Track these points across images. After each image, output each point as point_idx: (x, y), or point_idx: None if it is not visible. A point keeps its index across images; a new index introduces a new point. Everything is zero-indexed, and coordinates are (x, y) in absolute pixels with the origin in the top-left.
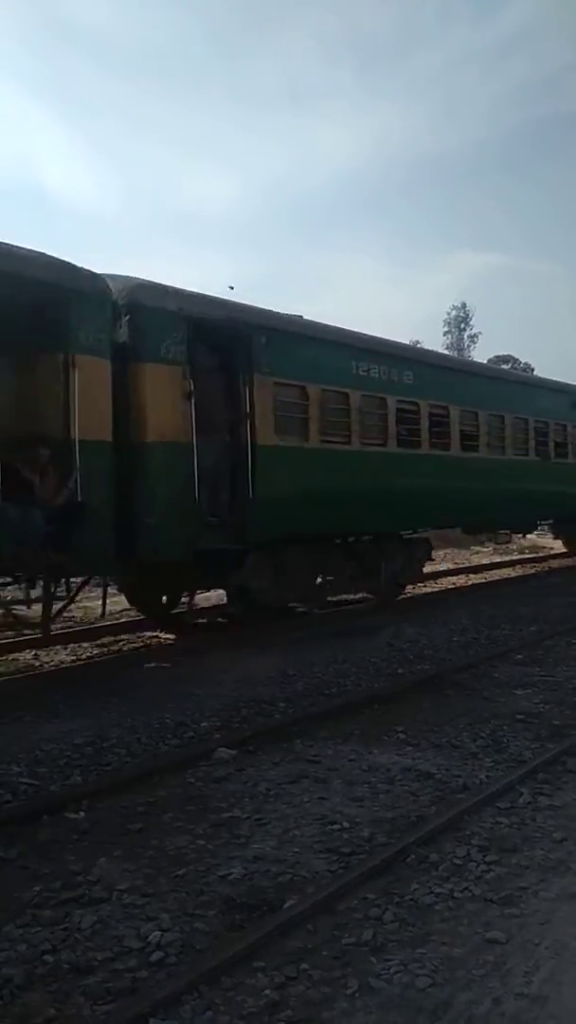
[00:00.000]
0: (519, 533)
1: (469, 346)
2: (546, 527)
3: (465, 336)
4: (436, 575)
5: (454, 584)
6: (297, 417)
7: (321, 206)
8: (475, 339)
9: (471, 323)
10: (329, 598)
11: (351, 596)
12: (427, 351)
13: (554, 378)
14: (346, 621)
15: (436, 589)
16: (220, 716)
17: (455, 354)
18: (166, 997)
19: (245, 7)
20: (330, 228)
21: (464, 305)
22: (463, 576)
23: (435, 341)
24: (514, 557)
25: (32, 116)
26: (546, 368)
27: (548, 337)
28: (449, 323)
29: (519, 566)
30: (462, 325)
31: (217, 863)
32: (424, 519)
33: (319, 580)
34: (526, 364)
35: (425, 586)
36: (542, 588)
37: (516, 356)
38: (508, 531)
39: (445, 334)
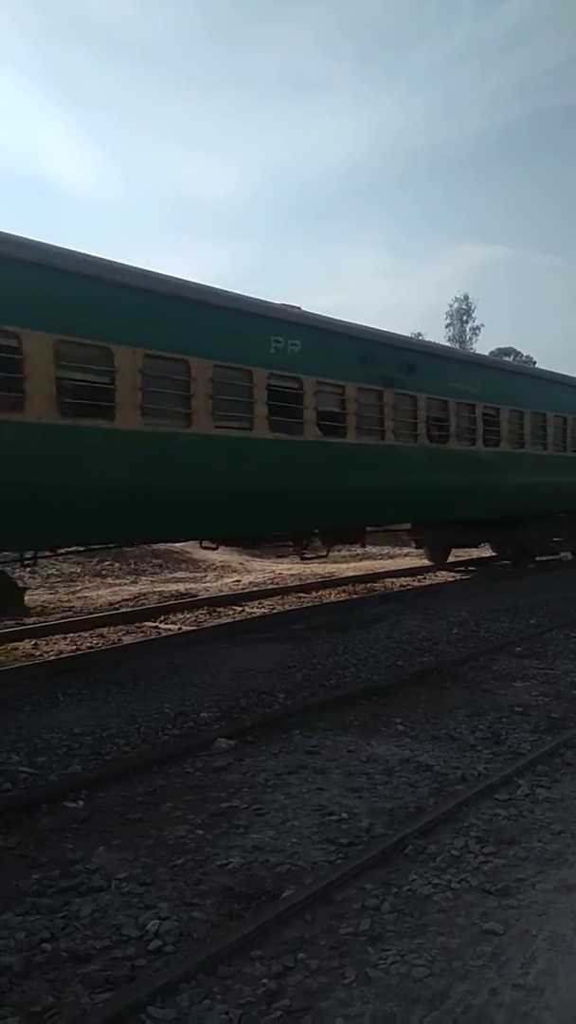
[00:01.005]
0: (339, 544)
1: (471, 338)
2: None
3: (467, 329)
4: (434, 569)
5: (454, 577)
6: None
7: (322, 198)
8: (477, 332)
9: (473, 315)
10: None
11: None
12: (29, 240)
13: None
14: (345, 614)
15: (436, 582)
16: (220, 706)
17: (457, 347)
18: (164, 985)
19: None
20: (332, 220)
21: (466, 297)
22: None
23: (438, 334)
24: None
25: (33, 107)
26: (547, 361)
27: (550, 330)
28: (451, 316)
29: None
30: (464, 318)
31: (216, 853)
32: (24, 533)
33: None
34: (527, 356)
35: (425, 578)
36: (543, 581)
37: (518, 349)
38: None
39: (447, 326)
